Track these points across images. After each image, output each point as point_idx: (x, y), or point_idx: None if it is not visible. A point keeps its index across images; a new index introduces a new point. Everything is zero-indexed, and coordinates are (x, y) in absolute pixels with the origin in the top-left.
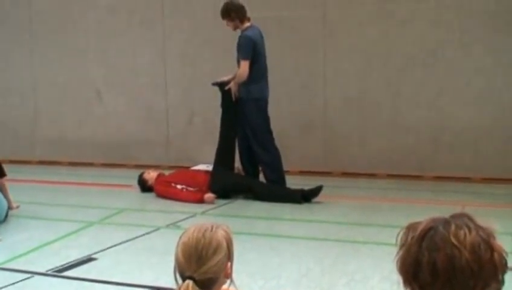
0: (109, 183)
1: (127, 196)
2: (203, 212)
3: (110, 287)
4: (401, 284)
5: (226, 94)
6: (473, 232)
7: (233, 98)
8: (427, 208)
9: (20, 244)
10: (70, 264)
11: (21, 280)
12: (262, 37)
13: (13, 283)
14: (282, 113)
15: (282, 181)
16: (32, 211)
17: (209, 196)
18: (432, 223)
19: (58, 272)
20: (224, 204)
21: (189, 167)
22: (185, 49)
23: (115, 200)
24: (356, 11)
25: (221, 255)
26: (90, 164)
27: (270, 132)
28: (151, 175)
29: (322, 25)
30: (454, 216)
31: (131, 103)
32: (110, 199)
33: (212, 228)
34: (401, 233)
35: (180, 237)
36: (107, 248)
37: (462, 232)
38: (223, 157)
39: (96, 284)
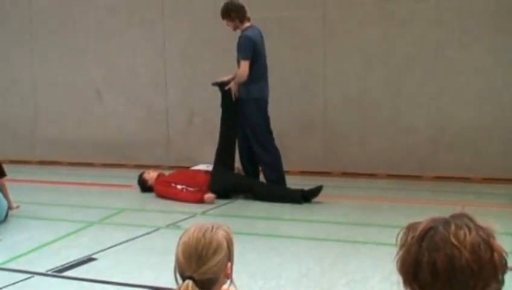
0: (109, 183)
1: (127, 196)
2: (203, 213)
3: (110, 287)
4: (401, 284)
5: (226, 94)
6: (473, 232)
7: (233, 98)
8: (427, 208)
9: (20, 244)
10: (70, 264)
11: (21, 280)
12: (262, 37)
13: (13, 283)
14: (282, 113)
15: (282, 181)
16: (32, 211)
17: (209, 196)
18: (432, 223)
19: (58, 272)
20: (224, 204)
21: (189, 167)
22: (185, 49)
23: (114, 200)
24: (356, 11)
25: (221, 255)
26: (90, 164)
27: (270, 132)
28: (151, 175)
29: (322, 25)
30: (454, 216)
31: (131, 103)
32: (110, 199)
33: (212, 228)
34: (401, 233)
35: (181, 237)
36: (107, 248)
37: (462, 232)
38: (223, 157)
39: (96, 285)
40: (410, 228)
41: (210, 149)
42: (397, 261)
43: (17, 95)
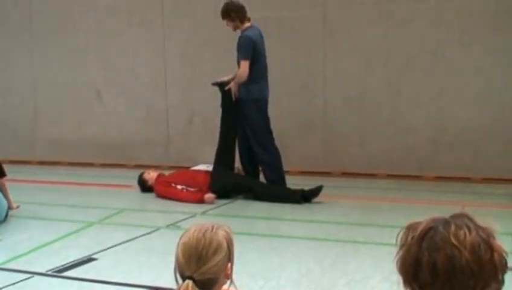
0: (109, 183)
1: (127, 196)
2: (203, 213)
3: (110, 288)
4: (401, 284)
5: (226, 94)
6: (473, 233)
7: (233, 98)
8: (427, 208)
9: (20, 245)
10: (70, 264)
11: (21, 280)
12: (262, 37)
13: (13, 283)
14: (282, 113)
15: (282, 181)
16: (32, 211)
17: (209, 196)
18: (432, 223)
19: (58, 272)
20: (224, 204)
21: (189, 167)
22: (185, 49)
23: (114, 200)
24: (356, 11)
25: (221, 255)
26: (90, 164)
27: (270, 132)
28: (151, 175)
29: (322, 25)
30: (454, 216)
31: (131, 103)
32: (110, 199)
33: (212, 228)
34: (401, 233)
35: (181, 237)
36: (107, 248)
37: (462, 233)
38: (223, 157)
39: (96, 285)
40: (410, 228)
41: (210, 149)
42: (397, 261)
43: (17, 95)
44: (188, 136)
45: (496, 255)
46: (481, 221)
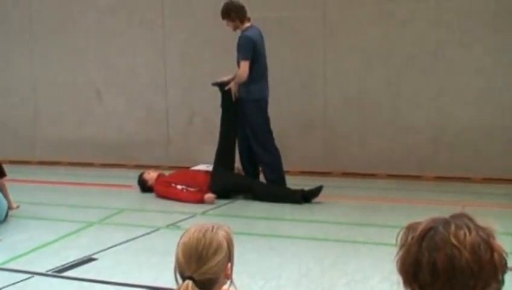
0: (109, 183)
1: (127, 196)
2: (203, 213)
3: (110, 288)
4: (401, 285)
5: (226, 94)
6: (473, 233)
7: (233, 98)
8: (427, 208)
9: (20, 245)
10: (70, 264)
11: (21, 280)
12: (262, 37)
13: (13, 283)
14: (282, 113)
15: (282, 181)
16: (32, 211)
17: (209, 196)
18: (432, 223)
19: (58, 273)
20: (224, 204)
21: (189, 167)
22: (185, 49)
23: (114, 200)
24: (356, 11)
25: (221, 255)
26: (90, 164)
27: (270, 132)
28: (151, 175)
29: (322, 25)
30: (454, 216)
31: (131, 103)
32: (110, 199)
33: (213, 229)
34: (401, 233)
35: (181, 237)
36: (107, 248)
37: (462, 233)
38: (223, 157)
39: (96, 285)
40: (410, 228)
41: (210, 149)
42: (397, 262)
43: (17, 95)
44: (188, 136)
45: (495, 255)
46: (481, 221)
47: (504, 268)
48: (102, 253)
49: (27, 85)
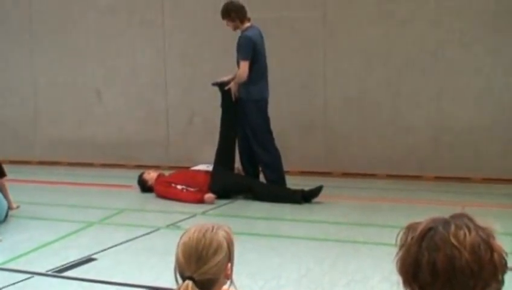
0: (109, 183)
1: (127, 196)
2: (203, 213)
3: (110, 288)
4: (401, 285)
5: (226, 94)
6: (473, 233)
7: (233, 98)
8: (427, 208)
9: (20, 245)
10: (70, 264)
11: (21, 280)
12: (262, 37)
13: (13, 283)
14: (282, 113)
15: (282, 181)
16: (32, 211)
17: (209, 196)
18: (432, 223)
19: (58, 273)
20: (224, 204)
21: (189, 167)
22: (185, 49)
23: (114, 200)
24: (356, 11)
25: (221, 255)
26: (90, 164)
27: (270, 132)
28: (151, 175)
29: (322, 25)
30: (454, 216)
31: (131, 103)
32: (110, 199)
33: (213, 229)
34: (401, 233)
35: (181, 237)
36: (107, 248)
37: (462, 233)
38: (223, 157)
39: (96, 285)
40: (410, 228)
41: (210, 149)
42: (397, 262)
43: (17, 95)
44: (188, 136)
45: (495, 255)
46: (481, 221)
47: (504, 268)
48: (102, 253)
49: (27, 85)
